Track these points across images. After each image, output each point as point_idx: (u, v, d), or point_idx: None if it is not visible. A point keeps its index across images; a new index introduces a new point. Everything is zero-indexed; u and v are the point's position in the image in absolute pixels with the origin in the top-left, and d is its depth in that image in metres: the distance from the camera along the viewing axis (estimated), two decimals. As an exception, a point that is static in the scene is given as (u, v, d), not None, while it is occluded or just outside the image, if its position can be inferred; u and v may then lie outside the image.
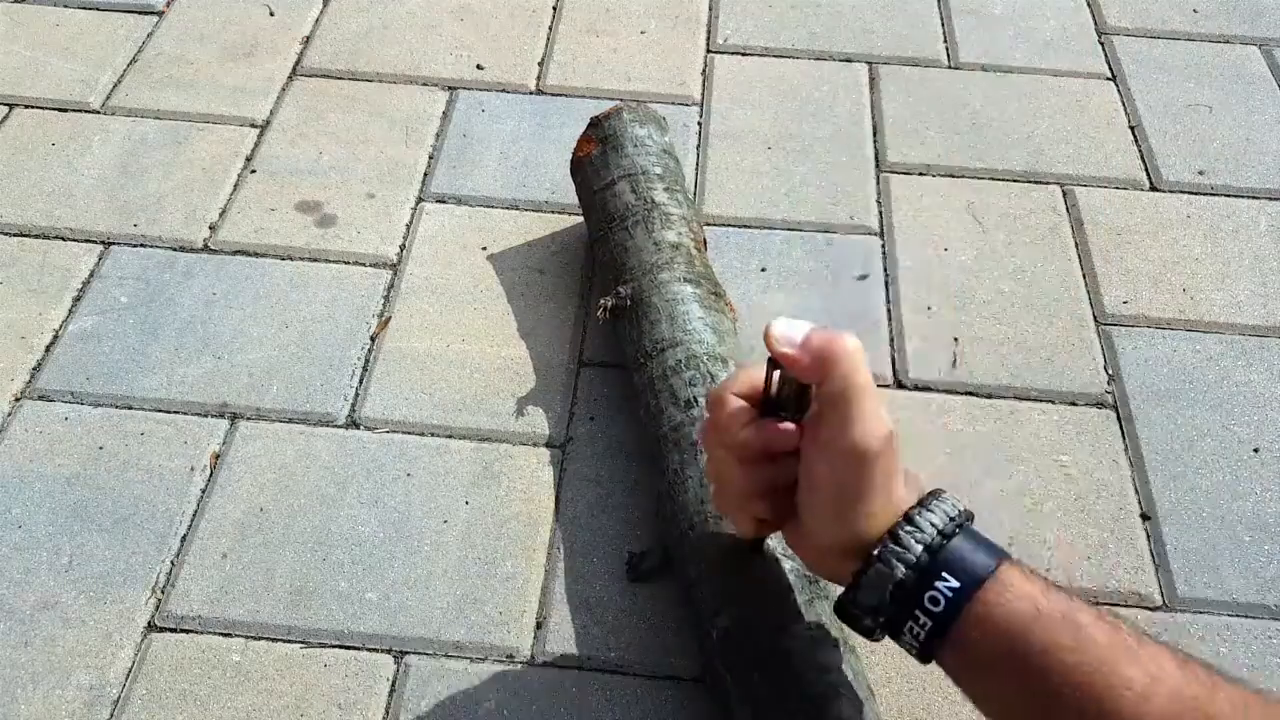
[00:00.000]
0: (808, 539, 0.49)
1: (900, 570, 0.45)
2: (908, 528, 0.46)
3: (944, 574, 0.44)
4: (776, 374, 0.48)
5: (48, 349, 0.81)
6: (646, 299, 0.74)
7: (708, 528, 0.62)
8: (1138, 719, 0.39)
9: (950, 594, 0.44)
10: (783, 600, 0.58)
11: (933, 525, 0.46)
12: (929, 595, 0.44)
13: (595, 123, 0.84)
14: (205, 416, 0.77)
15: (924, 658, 0.47)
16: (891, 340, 0.83)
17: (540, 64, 1.07)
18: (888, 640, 0.63)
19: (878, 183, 0.96)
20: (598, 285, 0.84)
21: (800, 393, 0.48)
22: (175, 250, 0.88)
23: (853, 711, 0.54)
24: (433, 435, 0.76)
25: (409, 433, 0.76)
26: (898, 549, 0.45)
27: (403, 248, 0.89)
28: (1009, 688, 0.43)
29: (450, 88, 1.04)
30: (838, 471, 0.46)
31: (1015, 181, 0.97)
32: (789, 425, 0.48)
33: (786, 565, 0.60)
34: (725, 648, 0.58)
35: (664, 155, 0.84)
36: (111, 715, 0.62)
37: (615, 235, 0.78)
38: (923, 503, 0.47)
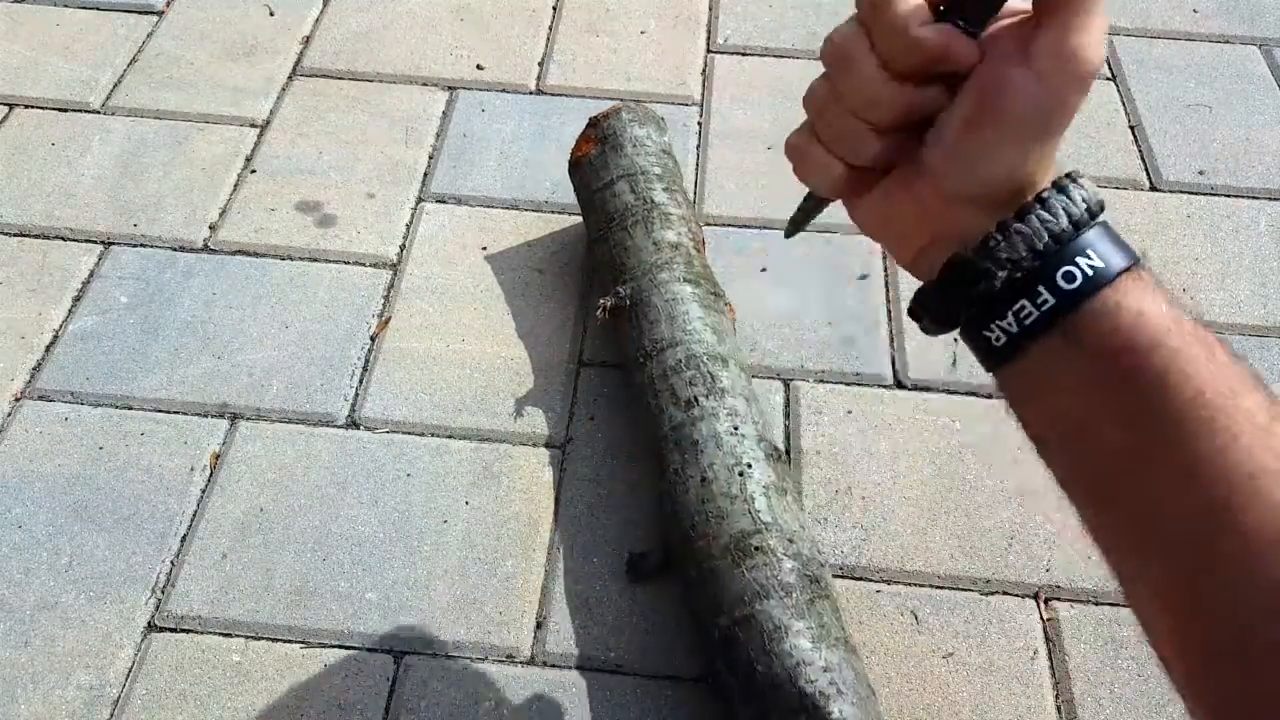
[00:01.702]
0: (939, 185, 0.40)
1: (1064, 220, 0.38)
2: (1075, 185, 0.39)
3: (1089, 251, 0.38)
4: None
5: (48, 349, 0.81)
6: (646, 299, 0.74)
7: (708, 528, 0.62)
8: (1263, 452, 0.34)
9: (1091, 271, 0.38)
10: (785, 599, 0.58)
11: (1091, 193, 0.39)
12: (1065, 269, 0.38)
13: (594, 123, 0.84)
14: (205, 416, 0.77)
15: (1008, 354, 0.40)
16: (891, 340, 0.83)
17: (540, 64, 1.07)
18: (892, 641, 0.62)
19: (878, 183, 0.96)
20: (597, 285, 0.84)
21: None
22: (175, 250, 0.88)
23: (854, 710, 0.54)
24: (433, 435, 0.76)
25: (409, 433, 0.76)
26: (1066, 200, 0.39)
27: (403, 248, 0.89)
28: (1114, 394, 0.37)
29: (450, 88, 1.04)
30: (1045, 87, 0.37)
31: (1015, 181, 0.96)
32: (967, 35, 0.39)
33: (787, 565, 0.60)
34: (727, 647, 0.58)
35: (663, 155, 0.84)
36: (111, 715, 0.62)
37: (614, 235, 0.78)
38: (1073, 174, 0.40)
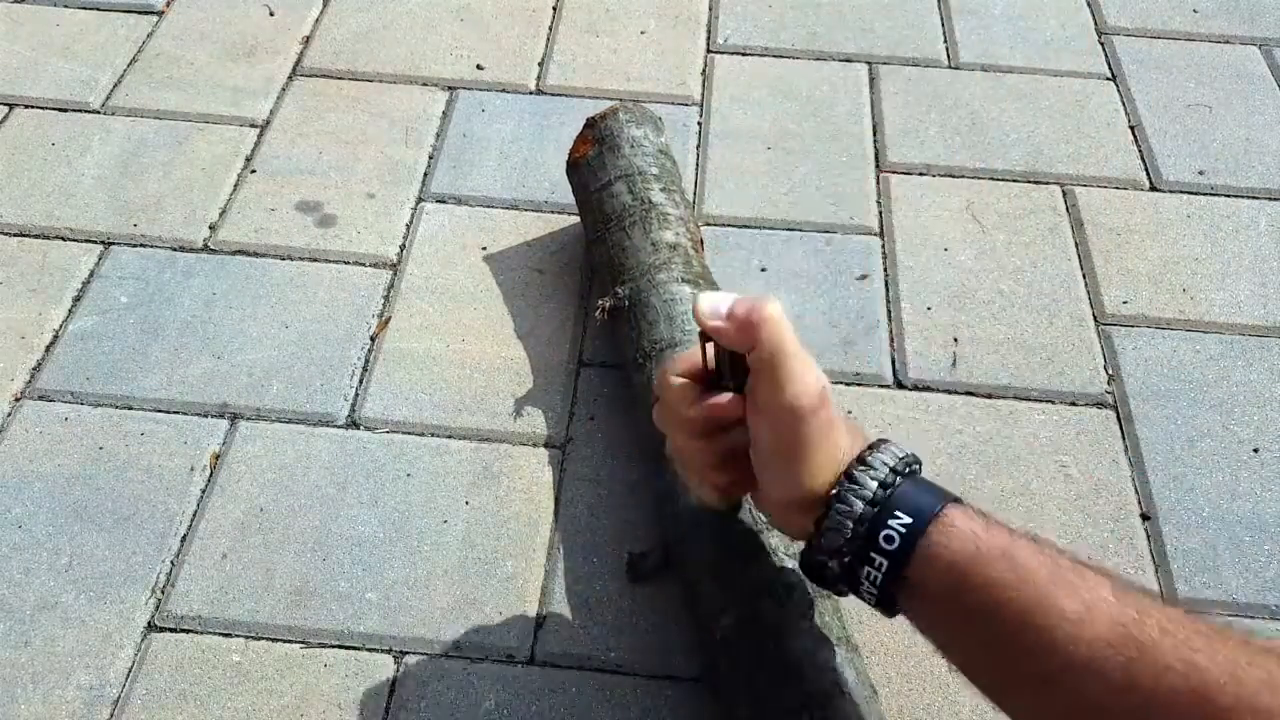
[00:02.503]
0: (767, 498, 0.51)
1: (859, 505, 0.47)
2: (861, 469, 0.48)
3: (897, 511, 0.46)
4: (710, 347, 0.50)
5: (48, 349, 0.81)
6: (645, 299, 0.74)
7: (708, 525, 0.62)
8: (1073, 644, 0.40)
9: (904, 530, 0.45)
10: (786, 599, 0.58)
11: (885, 465, 0.48)
12: (884, 533, 0.46)
13: (591, 123, 0.84)
14: (205, 416, 0.77)
15: (888, 606, 0.48)
16: (891, 340, 0.83)
17: (540, 64, 1.07)
18: (892, 640, 0.62)
19: (878, 183, 0.96)
20: (597, 285, 0.84)
21: (736, 363, 0.50)
22: (175, 250, 0.88)
23: (855, 710, 0.54)
24: (433, 435, 0.76)
25: (409, 433, 0.76)
26: (854, 488, 0.47)
27: (403, 248, 0.89)
28: (959, 628, 0.45)
29: (450, 88, 1.04)
30: (776, 431, 0.48)
31: (1015, 181, 0.97)
32: (728, 396, 0.50)
33: (790, 564, 0.60)
34: (728, 647, 0.58)
35: (660, 155, 0.84)
36: (111, 715, 0.62)
37: (613, 236, 0.78)
38: (872, 448, 0.49)
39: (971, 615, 0.44)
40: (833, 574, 0.48)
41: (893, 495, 0.47)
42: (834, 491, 0.47)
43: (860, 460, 0.48)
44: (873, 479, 0.47)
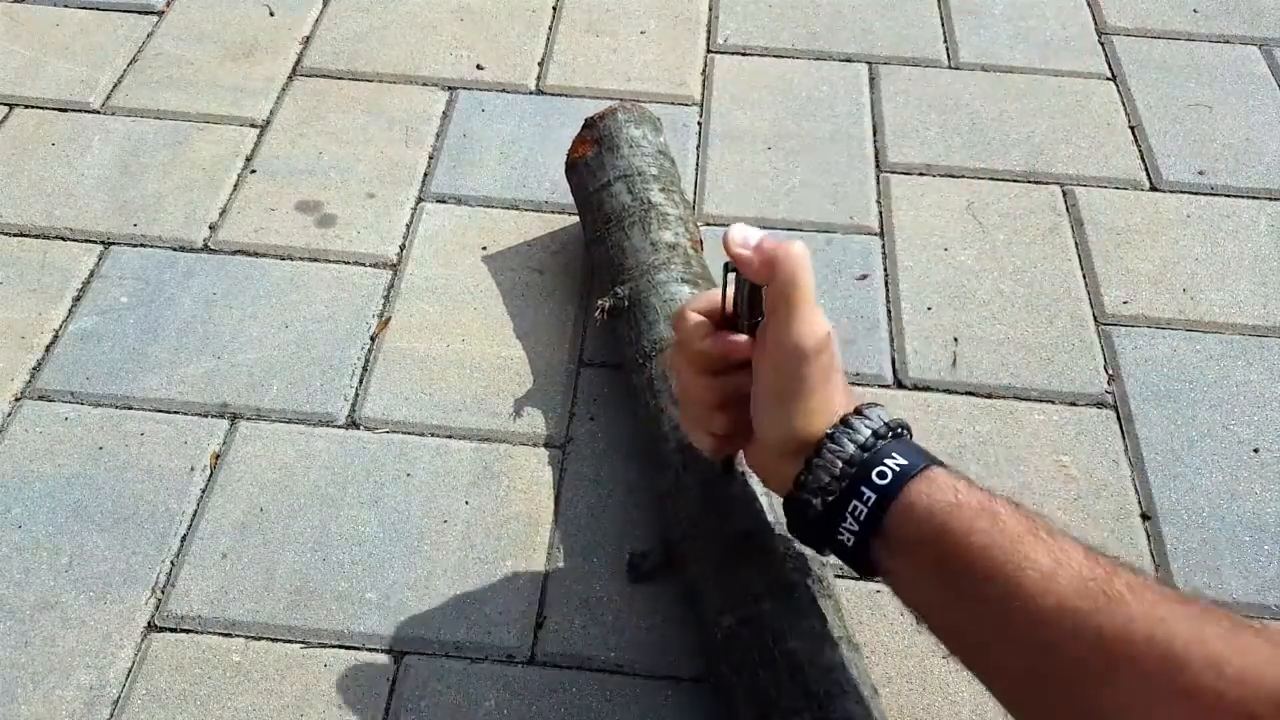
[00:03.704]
0: (760, 445, 0.53)
1: (851, 448, 0.49)
2: (856, 418, 0.50)
3: (885, 461, 0.48)
4: (732, 277, 0.52)
5: (48, 349, 0.81)
6: (644, 300, 0.74)
7: (709, 525, 0.62)
8: (1042, 595, 0.42)
9: (897, 470, 0.47)
10: (786, 599, 0.58)
11: (880, 419, 0.50)
12: (878, 469, 0.48)
13: (590, 123, 0.84)
14: (205, 416, 0.77)
15: (860, 560, 0.50)
16: (891, 340, 0.83)
17: (540, 64, 1.07)
18: (892, 641, 0.62)
19: (878, 183, 0.96)
20: (597, 286, 0.84)
21: (753, 299, 0.51)
22: (175, 250, 0.88)
23: (858, 709, 0.54)
24: (433, 435, 0.76)
25: (409, 433, 0.76)
26: (849, 432, 0.49)
27: (403, 248, 0.89)
28: (934, 579, 0.47)
29: (450, 88, 1.04)
30: (779, 368, 0.50)
31: (1015, 181, 0.97)
32: (741, 336, 0.53)
33: (789, 564, 0.60)
34: (729, 647, 0.58)
35: (659, 155, 0.84)
36: (111, 715, 0.62)
37: (612, 236, 0.78)
38: (870, 404, 0.51)
39: (946, 565, 0.45)
40: (814, 514, 0.49)
41: (883, 446, 0.49)
42: (828, 433, 0.49)
43: (857, 411, 0.50)
44: (867, 428, 0.49)
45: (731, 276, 0.52)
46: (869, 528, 0.48)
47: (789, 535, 0.55)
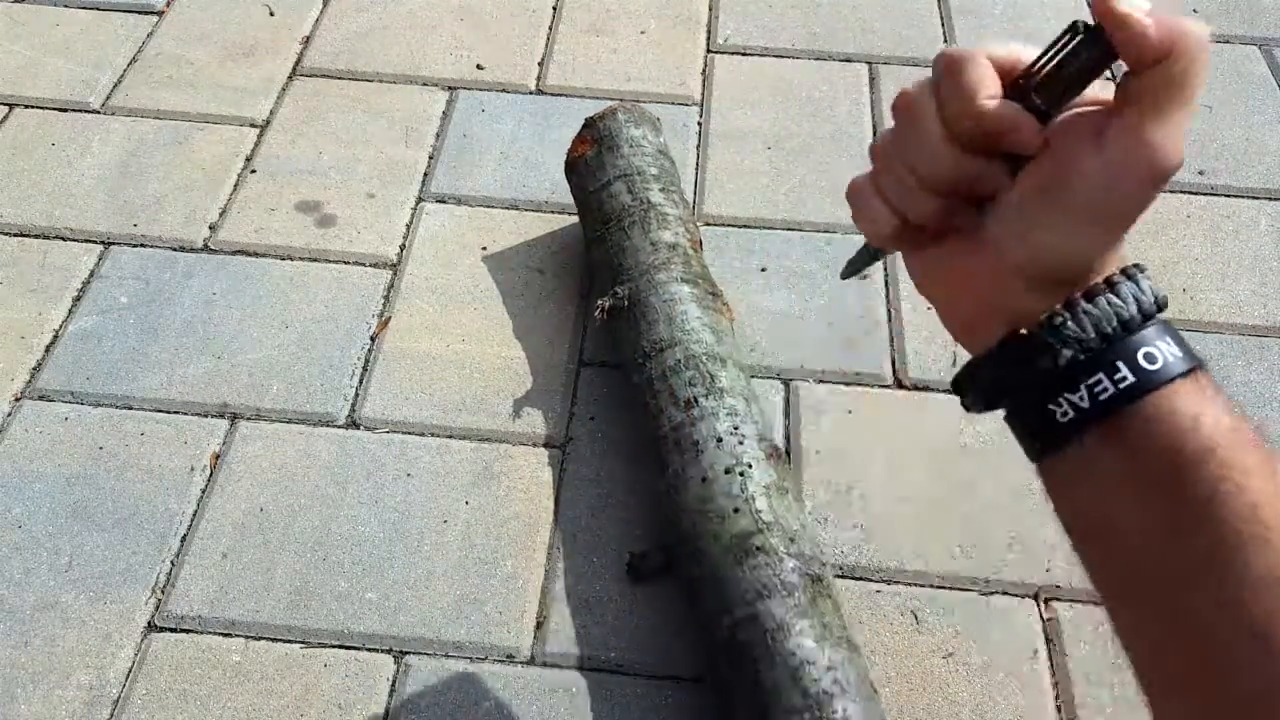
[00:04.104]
0: (1005, 261, 0.40)
1: (1131, 308, 0.38)
2: (1143, 275, 0.39)
3: (1158, 342, 0.37)
4: (1073, 43, 0.38)
5: (48, 349, 0.81)
6: (644, 299, 0.74)
7: (709, 528, 0.62)
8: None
9: (1161, 362, 0.37)
10: (786, 599, 0.58)
11: (1157, 288, 0.39)
12: (1143, 354, 0.37)
13: (590, 123, 0.84)
14: (205, 416, 0.77)
15: (1050, 438, 0.39)
16: (891, 340, 0.83)
17: (540, 64, 1.07)
18: (892, 640, 0.62)
19: (878, 183, 0.96)
20: (597, 285, 0.84)
21: (1079, 81, 0.38)
22: (175, 250, 0.88)
23: (857, 709, 0.54)
24: (433, 435, 0.76)
25: (409, 433, 0.76)
26: (1136, 287, 0.38)
27: (403, 248, 0.89)
28: (1145, 503, 0.37)
29: (450, 88, 1.04)
30: (1115, 177, 0.37)
31: (1015, 181, 0.96)
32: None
33: (789, 564, 0.60)
34: (729, 647, 0.58)
35: (659, 155, 0.84)
36: (111, 715, 0.62)
37: (612, 236, 0.78)
38: (1139, 265, 0.40)
39: (1195, 493, 0.35)
40: (1046, 368, 0.38)
41: (1155, 324, 0.38)
42: (1112, 279, 0.38)
43: (1139, 267, 0.39)
44: (1152, 292, 0.38)
45: (1071, 42, 0.38)
46: (1100, 411, 0.37)
47: (962, 384, 0.43)
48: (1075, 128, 0.38)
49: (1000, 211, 0.39)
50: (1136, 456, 0.37)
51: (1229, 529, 0.34)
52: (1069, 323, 0.38)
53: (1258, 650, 0.33)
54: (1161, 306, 0.38)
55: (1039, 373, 0.38)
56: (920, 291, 0.45)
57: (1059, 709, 0.64)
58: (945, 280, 0.44)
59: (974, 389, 0.42)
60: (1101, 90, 0.38)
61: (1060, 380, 0.38)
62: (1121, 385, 0.37)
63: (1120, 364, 0.37)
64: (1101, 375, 0.37)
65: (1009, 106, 0.38)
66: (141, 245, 0.89)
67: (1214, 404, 0.36)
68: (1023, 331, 0.39)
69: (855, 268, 0.47)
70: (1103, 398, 0.37)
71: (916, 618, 0.67)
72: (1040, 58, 0.38)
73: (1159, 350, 0.37)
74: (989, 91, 0.38)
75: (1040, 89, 0.38)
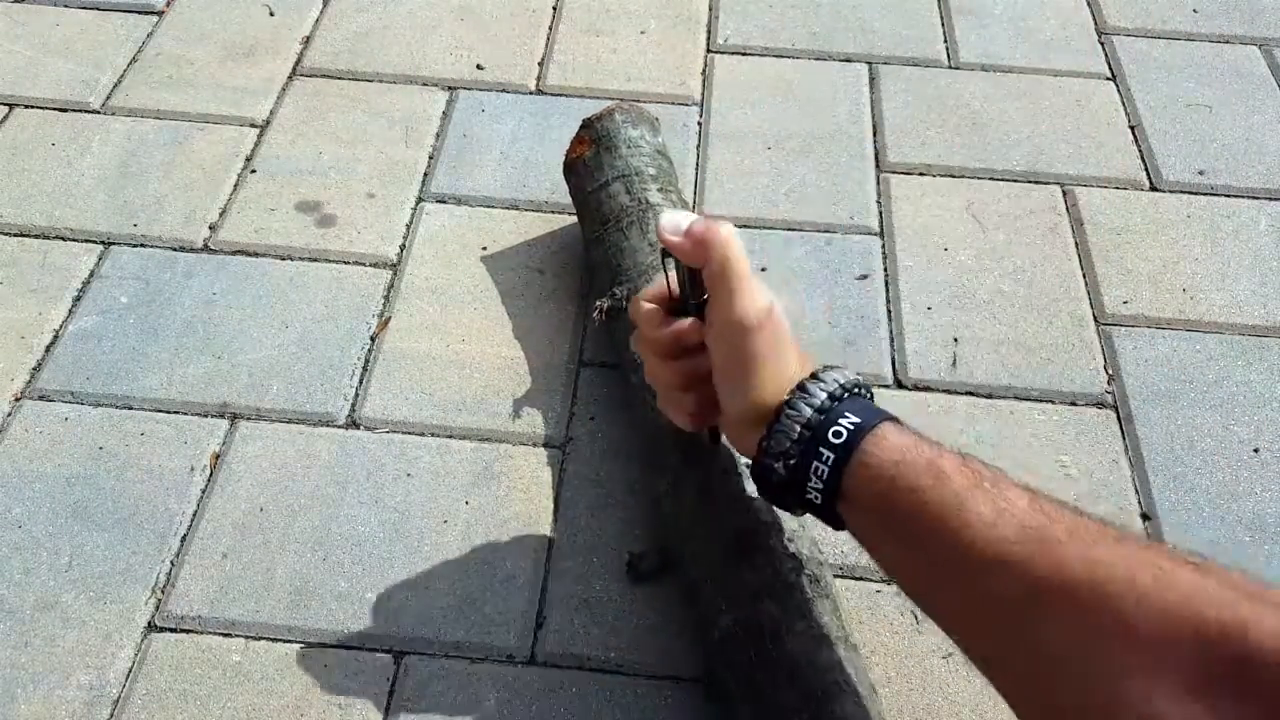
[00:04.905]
0: (726, 418, 0.55)
1: (808, 412, 0.50)
2: (812, 382, 0.51)
3: (839, 421, 0.49)
4: (670, 262, 0.54)
5: (48, 349, 0.81)
6: (646, 299, 0.73)
7: (708, 528, 0.62)
8: (985, 545, 0.43)
9: (851, 428, 0.49)
10: (785, 599, 0.58)
11: (835, 381, 0.51)
12: (833, 429, 0.49)
13: (588, 124, 0.84)
14: (205, 416, 0.77)
15: (830, 515, 0.51)
16: (891, 340, 0.83)
17: (540, 64, 1.07)
18: (892, 640, 0.62)
19: (878, 183, 0.96)
20: (595, 286, 0.84)
21: (694, 281, 0.53)
22: (175, 250, 0.88)
23: (855, 710, 0.54)
24: (433, 435, 0.76)
25: (409, 433, 0.76)
26: (805, 396, 0.51)
27: (403, 248, 0.89)
28: (886, 533, 0.49)
29: (450, 88, 1.04)
30: (728, 345, 0.52)
31: (1015, 181, 0.97)
32: (690, 320, 0.55)
33: (788, 564, 0.60)
34: (727, 647, 0.58)
35: (657, 156, 0.84)
36: (111, 715, 0.62)
37: (610, 237, 0.78)
38: (826, 369, 0.53)
39: (895, 519, 0.47)
40: (779, 479, 0.51)
41: (837, 406, 0.50)
42: (785, 400, 0.51)
43: (813, 376, 0.52)
44: (823, 390, 0.51)
45: (670, 262, 0.54)
46: (832, 486, 0.49)
47: (769, 503, 0.56)
48: (707, 320, 0.53)
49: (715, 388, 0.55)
50: (870, 509, 0.49)
51: (930, 530, 0.46)
52: (770, 444, 0.51)
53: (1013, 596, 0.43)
54: (836, 395, 0.51)
55: (778, 485, 0.51)
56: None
57: (1059, 709, 0.64)
58: (728, 433, 0.58)
59: (771, 502, 0.56)
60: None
61: (798, 480, 0.50)
62: (829, 461, 0.49)
63: (821, 448, 0.49)
64: (815, 462, 0.49)
65: (671, 327, 0.55)
66: (141, 245, 0.89)
67: (906, 445, 0.48)
68: (753, 463, 0.53)
69: (712, 444, 0.64)
70: (825, 475, 0.49)
71: (916, 618, 0.67)
72: (669, 285, 0.56)
73: (840, 426, 0.49)
74: (655, 322, 0.56)
75: (685, 299, 0.55)
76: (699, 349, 0.55)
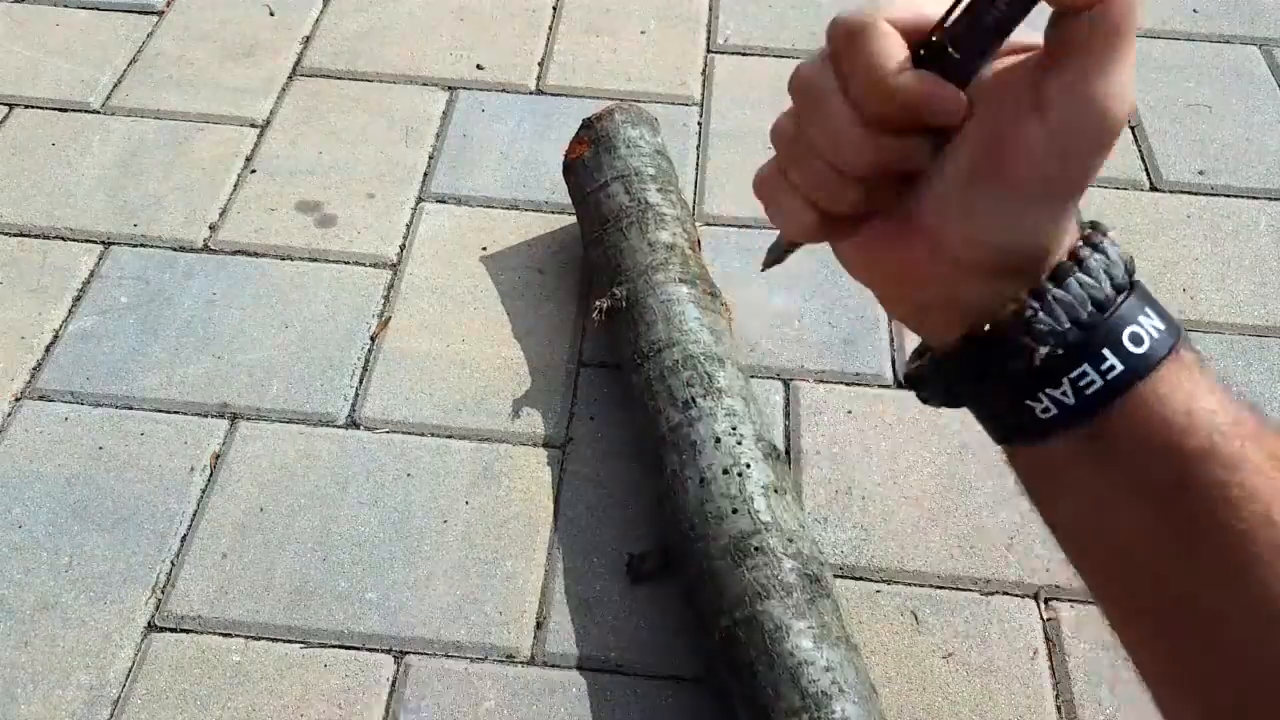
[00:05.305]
0: (944, 247, 0.33)
1: (1105, 286, 0.32)
2: (1105, 239, 0.32)
3: (1139, 319, 0.32)
4: None
5: (48, 349, 0.81)
6: (642, 300, 0.74)
7: (708, 529, 0.62)
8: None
9: (1148, 342, 0.31)
10: (785, 599, 0.58)
11: (1123, 249, 0.32)
12: (1128, 335, 0.31)
13: (587, 124, 0.84)
14: (205, 416, 0.77)
15: (1038, 434, 0.33)
16: (891, 340, 0.83)
17: (540, 64, 1.07)
18: (892, 640, 0.62)
19: (878, 183, 0.96)
20: (596, 286, 0.84)
21: (999, 33, 0.32)
22: (175, 250, 0.88)
23: (856, 709, 0.54)
24: (433, 435, 0.76)
25: (409, 433, 0.76)
26: (1105, 258, 0.32)
27: (403, 248, 0.89)
28: (1149, 507, 0.32)
29: (450, 88, 1.04)
30: (1062, 143, 0.31)
31: (1015, 181, 0.96)
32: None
33: (788, 564, 0.60)
34: (728, 647, 0.58)
35: (656, 156, 0.84)
36: (111, 715, 0.62)
37: (610, 236, 0.78)
38: (1098, 225, 0.33)
39: (1197, 499, 0.31)
40: (1019, 368, 0.32)
41: (1131, 296, 0.32)
42: (1079, 254, 0.32)
43: (1098, 229, 0.33)
44: (1121, 259, 0.32)
45: None
46: (1088, 407, 0.32)
47: (916, 381, 0.36)
48: (1005, 90, 0.32)
49: (931, 195, 0.33)
50: (1127, 463, 0.32)
51: (1242, 539, 0.30)
52: (1040, 314, 0.32)
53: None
54: (1131, 271, 0.32)
55: (1012, 373, 0.33)
56: (855, 278, 0.38)
57: (1059, 709, 0.64)
58: (879, 270, 0.37)
59: (932, 388, 0.36)
60: (1032, 36, 0.32)
61: (1039, 377, 0.32)
62: (1110, 377, 0.31)
63: (1106, 351, 0.32)
64: (1086, 367, 0.32)
65: (925, 79, 0.32)
66: (141, 245, 0.89)
67: (1205, 390, 0.31)
68: (986, 329, 0.33)
69: (775, 258, 0.42)
70: (1089, 392, 0.32)
71: (916, 618, 0.67)
72: (951, 9, 0.32)
73: (1143, 329, 0.32)
74: (897, 63, 0.32)
75: (955, 46, 0.32)
76: (911, 128, 0.32)
